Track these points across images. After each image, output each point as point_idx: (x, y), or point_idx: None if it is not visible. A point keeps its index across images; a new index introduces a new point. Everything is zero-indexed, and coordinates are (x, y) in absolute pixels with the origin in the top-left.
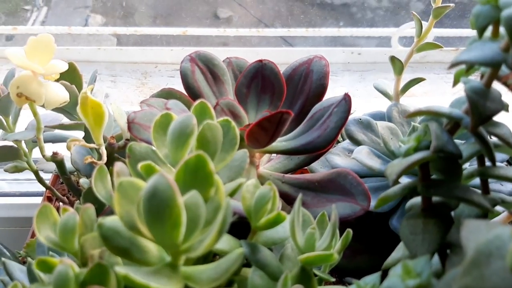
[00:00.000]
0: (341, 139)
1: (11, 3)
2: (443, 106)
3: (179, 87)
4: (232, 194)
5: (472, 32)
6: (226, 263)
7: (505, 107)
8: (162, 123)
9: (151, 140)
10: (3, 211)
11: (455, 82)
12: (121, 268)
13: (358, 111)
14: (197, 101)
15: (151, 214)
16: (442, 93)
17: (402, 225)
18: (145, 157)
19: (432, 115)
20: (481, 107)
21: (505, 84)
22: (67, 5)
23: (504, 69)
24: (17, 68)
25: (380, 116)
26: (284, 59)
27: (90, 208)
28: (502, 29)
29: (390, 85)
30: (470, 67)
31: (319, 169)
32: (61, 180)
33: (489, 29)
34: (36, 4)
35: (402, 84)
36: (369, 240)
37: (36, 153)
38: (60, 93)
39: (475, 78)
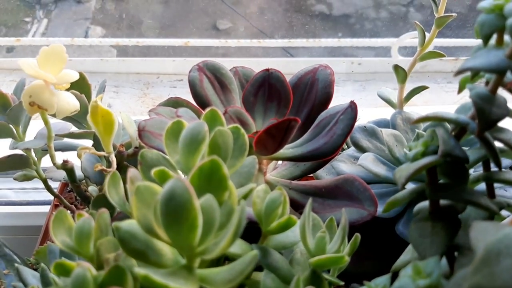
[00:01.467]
0: (346, 146)
1: (11, 15)
2: (450, 112)
3: (183, 97)
4: (243, 198)
5: (472, 42)
6: (240, 265)
7: (510, 113)
8: (174, 130)
9: (163, 147)
10: (11, 220)
11: (460, 89)
12: (141, 269)
13: (360, 120)
14: (208, 109)
15: (168, 217)
16: (443, 103)
17: (411, 228)
18: (157, 164)
19: (439, 120)
20: (487, 112)
21: (510, 90)
22: (68, 17)
23: (509, 76)
24: (27, 77)
25: (384, 124)
26: (285, 69)
27: (105, 212)
28: (506, 37)
29: (394, 93)
30: (475, 74)
31: (325, 176)
32: (68, 188)
33: (494, 37)
34: (36, 16)
35: (405, 92)
36: (376, 246)
37: (44, 162)
38: (71, 102)
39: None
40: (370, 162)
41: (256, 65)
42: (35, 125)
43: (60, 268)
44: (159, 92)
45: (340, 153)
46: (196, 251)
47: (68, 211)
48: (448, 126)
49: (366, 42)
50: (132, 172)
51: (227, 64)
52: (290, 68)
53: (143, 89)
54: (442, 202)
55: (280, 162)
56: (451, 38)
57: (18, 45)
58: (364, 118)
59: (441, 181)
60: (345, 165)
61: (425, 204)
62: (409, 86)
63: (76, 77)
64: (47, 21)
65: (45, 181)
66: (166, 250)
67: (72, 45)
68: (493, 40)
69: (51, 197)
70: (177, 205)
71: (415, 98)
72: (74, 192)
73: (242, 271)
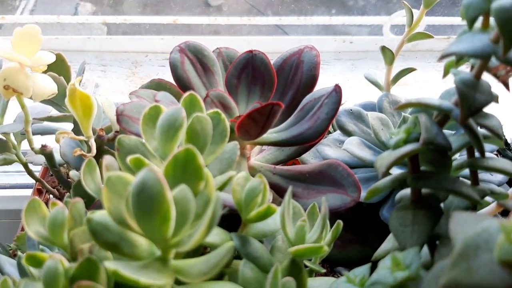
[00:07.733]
0: (332, 130)
1: None
2: (433, 98)
3: (170, 77)
4: (222, 187)
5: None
6: (216, 257)
7: (494, 99)
8: (151, 115)
9: (141, 132)
10: None
11: (445, 73)
12: (111, 264)
13: (349, 100)
14: (186, 93)
15: (140, 209)
16: (433, 81)
17: (392, 217)
18: (135, 150)
19: (422, 107)
20: (471, 99)
21: (495, 75)
22: None
23: (494, 61)
24: (4, 60)
25: (371, 107)
26: (275, 47)
27: (79, 202)
28: (492, 20)
29: (381, 75)
30: (460, 58)
31: (310, 160)
32: (51, 172)
33: (479, 20)
34: None
35: (393, 73)
36: (360, 230)
37: (25, 145)
38: (47, 85)
39: (466, 67)
40: (355, 146)
41: (246, 44)
42: (16, 108)
43: (32, 259)
44: (148, 71)
45: (326, 137)
46: (170, 243)
47: (51, 195)
48: (433, 111)
49: (357, 20)
50: (107, 159)
51: (216, 42)
52: (280, 47)
53: (132, 68)
54: (424, 190)
55: (265, 145)
56: (441, 17)
57: (5, 23)
58: (355, 97)
59: (423, 168)
60: (330, 149)
61: (406, 191)
62: (399, 65)
63: (52, 59)
64: None
65: (25, 165)
66: (141, 241)
67: (59, 23)
68: (478, 23)
69: None
70: (149, 197)
71: (406, 77)
72: None
73: (217, 263)
